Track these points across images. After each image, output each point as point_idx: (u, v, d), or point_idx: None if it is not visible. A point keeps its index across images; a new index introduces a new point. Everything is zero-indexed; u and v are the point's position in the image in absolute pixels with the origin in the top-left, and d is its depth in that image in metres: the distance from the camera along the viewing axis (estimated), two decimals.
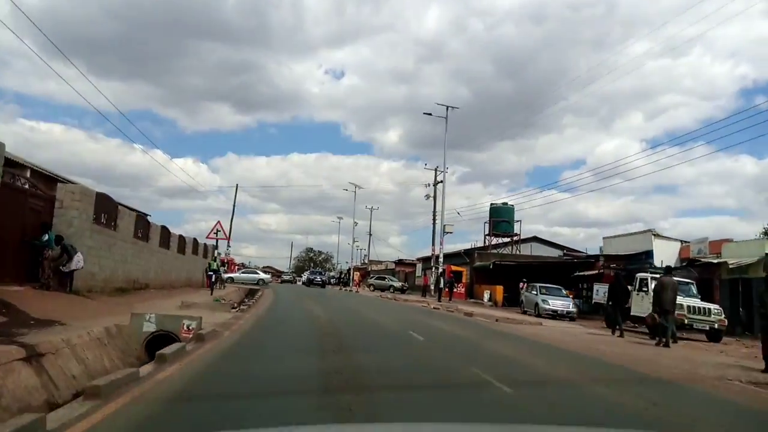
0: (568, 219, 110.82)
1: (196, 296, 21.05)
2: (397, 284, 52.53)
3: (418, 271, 58.62)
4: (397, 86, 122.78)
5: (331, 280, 68.01)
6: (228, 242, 50.87)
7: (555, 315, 24.77)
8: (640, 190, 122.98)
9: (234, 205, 52.25)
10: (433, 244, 41.84)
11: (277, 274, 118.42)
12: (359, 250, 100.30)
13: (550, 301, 25.36)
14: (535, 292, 26.79)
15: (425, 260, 52.43)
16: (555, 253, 49.11)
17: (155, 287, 22.12)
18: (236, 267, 57.18)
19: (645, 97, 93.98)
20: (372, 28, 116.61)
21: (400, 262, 75.73)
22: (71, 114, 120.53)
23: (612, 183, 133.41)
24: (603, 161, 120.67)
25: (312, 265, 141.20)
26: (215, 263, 28.98)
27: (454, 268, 43.34)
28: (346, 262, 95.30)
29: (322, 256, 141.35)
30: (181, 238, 29.69)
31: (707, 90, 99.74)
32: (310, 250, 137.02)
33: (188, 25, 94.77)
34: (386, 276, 58.85)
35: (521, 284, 31.88)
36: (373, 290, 50.36)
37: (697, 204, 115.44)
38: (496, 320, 20.77)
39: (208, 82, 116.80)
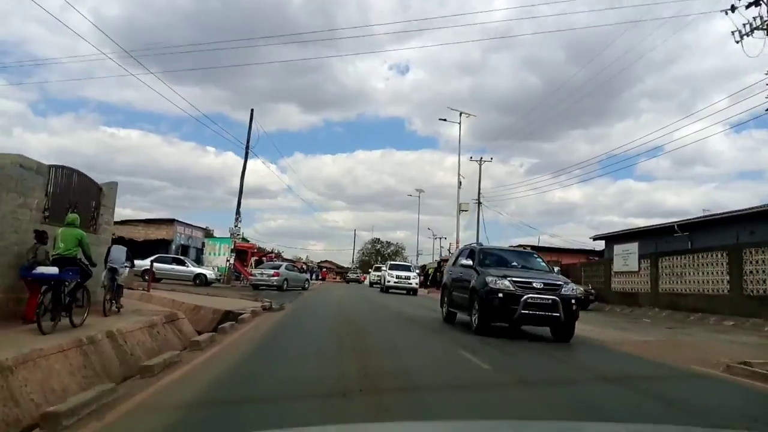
0: (643, 209, 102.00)
1: None
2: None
3: None
4: (462, 78, 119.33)
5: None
6: (237, 217, 29.51)
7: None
8: (722, 177, 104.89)
9: (246, 159, 30.63)
10: None
11: (339, 271, 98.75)
12: (437, 240, 78.30)
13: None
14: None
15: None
16: None
17: None
18: (255, 257, 35.95)
19: (730, 77, 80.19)
20: (437, 21, 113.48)
21: None
22: (148, 119, 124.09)
23: (692, 170, 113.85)
24: (682, 147, 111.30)
25: (379, 259, 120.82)
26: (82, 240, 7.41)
27: None
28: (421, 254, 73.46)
29: (391, 248, 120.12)
30: None
31: None
32: (376, 241, 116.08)
33: (257, 28, 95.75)
34: None
35: None
36: None
37: None
38: None
39: (275, 84, 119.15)
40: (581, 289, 22.00)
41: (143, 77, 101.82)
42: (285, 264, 27.59)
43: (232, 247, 30.69)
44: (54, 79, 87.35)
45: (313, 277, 61.16)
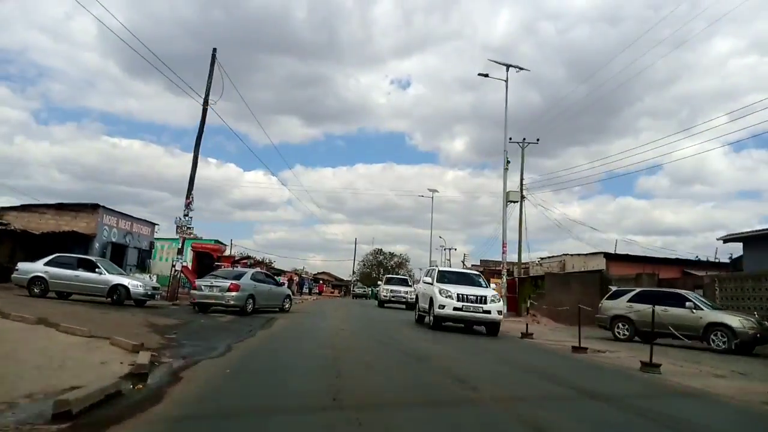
0: (642, 226, 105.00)
1: None
2: None
3: None
4: (464, 94, 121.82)
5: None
6: (187, 202, 19.98)
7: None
8: (721, 196, 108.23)
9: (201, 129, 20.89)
10: None
11: (338, 283, 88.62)
12: (446, 251, 68.93)
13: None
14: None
15: None
16: None
17: None
18: (225, 263, 26.16)
19: (728, 97, 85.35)
20: (439, 37, 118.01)
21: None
22: (150, 130, 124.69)
23: (691, 189, 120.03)
24: (681, 165, 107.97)
25: (382, 270, 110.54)
26: None
27: None
28: (431, 268, 64.20)
29: (395, 259, 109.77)
30: None
31: None
32: (378, 252, 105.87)
33: (261, 42, 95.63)
34: None
35: None
36: None
37: None
38: None
39: (278, 96, 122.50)
40: (737, 320, 13.43)
41: (145, 89, 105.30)
42: (251, 271, 17.72)
43: (180, 246, 20.93)
44: (57, 89, 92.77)
45: (306, 289, 51.32)
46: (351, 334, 12.37)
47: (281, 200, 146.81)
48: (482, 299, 13.94)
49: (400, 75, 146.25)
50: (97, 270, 16.64)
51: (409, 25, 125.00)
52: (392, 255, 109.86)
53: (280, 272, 49.74)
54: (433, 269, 16.97)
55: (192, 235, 20.73)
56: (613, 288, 17.56)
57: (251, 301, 16.31)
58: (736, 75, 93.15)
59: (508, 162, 25.03)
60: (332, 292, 63.44)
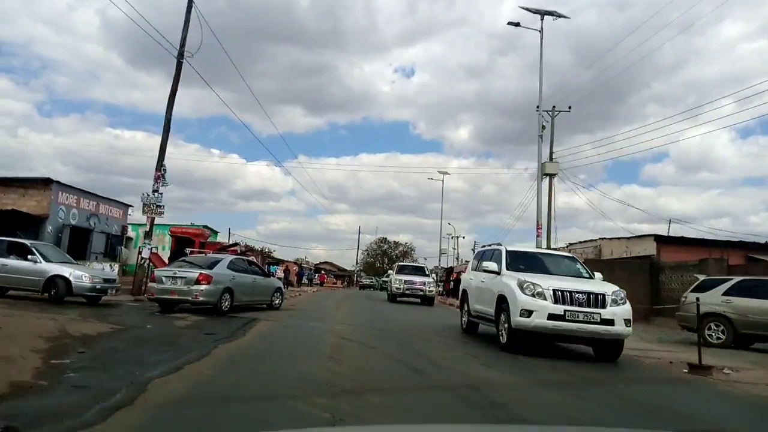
0: (647, 214, 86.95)
1: None
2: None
3: None
4: (468, 81, 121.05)
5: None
6: (158, 175, 16.05)
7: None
8: (727, 183, 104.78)
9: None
10: None
11: (340, 274, 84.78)
12: (455, 239, 65.51)
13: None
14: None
15: None
16: None
17: None
18: (210, 249, 22.33)
19: (737, 82, 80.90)
20: (444, 24, 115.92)
21: None
22: (154, 122, 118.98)
23: (697, 175, 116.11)
24: (688, 152, 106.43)
25: (386, 260, 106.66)
26: None
27: None
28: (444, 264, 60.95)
29: (400, 248, 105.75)
30: None
31: None
32: (383, 240, 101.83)
33: (265, 31, 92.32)
34: None
35: None
36: None
37: None
38: None
39: (281, 86, 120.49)
40: None
41: (149, 81, 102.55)
42: (228, 258, 13.93)
43: (148, 229, 17.18)
44: (60, 81, 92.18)
45: (305, 280, 47.64)
46: (361, 351, 8.22)
47: (285, 190, 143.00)
48: (597, 299, 8.31)
49: (405, 63, 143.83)
50: (30, 257, 12.92)
51: (414, 13, 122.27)
52: (397, 244, 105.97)
53: (279, 261, 46.06)
54: (496, 249, 10.68)
55: (162, 215, 16.93)
56: (701, 277, 13.72)
57: (228, 296, 12.56)
58: (745, 59, 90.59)
59: (543, 127, 21.07)
60: (335, 283, 59.83)
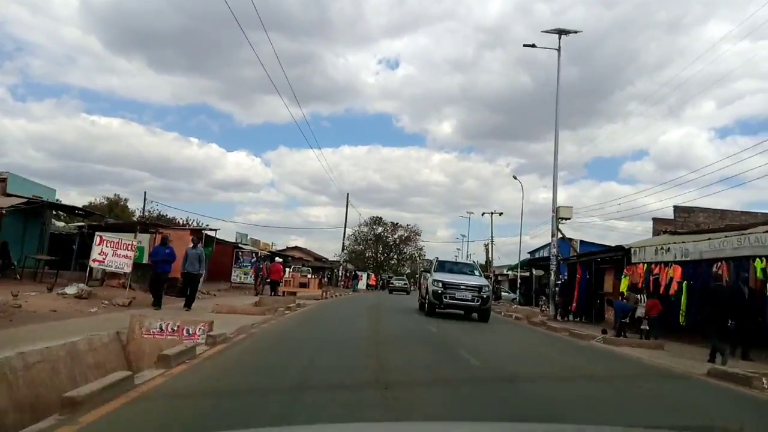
0: (624, 212, 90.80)
1: None
2: None
3: None
4: (453, 75, 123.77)
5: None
6: None
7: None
8: (704, 181, 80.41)
9: None
10: None
11: (319, 265, 63.08)
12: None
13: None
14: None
15: None
16: None
17: None
18: None
19: (718, 83, 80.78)
20: (432, 16, 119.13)
21: None
22: (131, 108, 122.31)
23: (676, 175, 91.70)
24: (667, 152, 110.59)
25: (381, 248, 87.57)
26: None
27: None
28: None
29: (400, 232, 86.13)
30: None
31: None
32: (377, 221, 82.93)
33: (249, 17, 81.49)
34: None
35: None
36: None
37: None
38: None
39: (264, 75, 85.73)
40: None
41: (128, 66, 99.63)
42: None
43: None
44: (35, 64, 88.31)
45: (248, 278, 28.87)
46: None
47: (264, 181, 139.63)
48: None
49: (390, 54, 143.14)
50: None
51: (403, 4, 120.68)
52: (397, 226, 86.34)
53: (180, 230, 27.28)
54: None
55: None
56: None
57: None
58: (727, 60, 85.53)
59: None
60: (305, 279, 39.55)
